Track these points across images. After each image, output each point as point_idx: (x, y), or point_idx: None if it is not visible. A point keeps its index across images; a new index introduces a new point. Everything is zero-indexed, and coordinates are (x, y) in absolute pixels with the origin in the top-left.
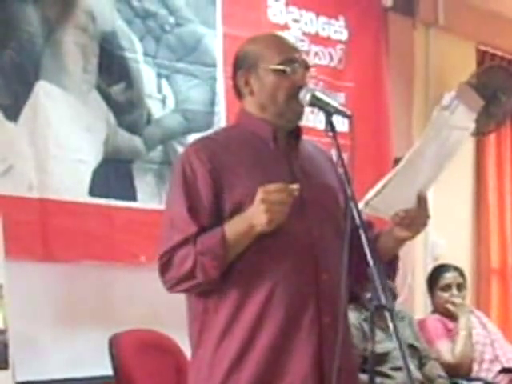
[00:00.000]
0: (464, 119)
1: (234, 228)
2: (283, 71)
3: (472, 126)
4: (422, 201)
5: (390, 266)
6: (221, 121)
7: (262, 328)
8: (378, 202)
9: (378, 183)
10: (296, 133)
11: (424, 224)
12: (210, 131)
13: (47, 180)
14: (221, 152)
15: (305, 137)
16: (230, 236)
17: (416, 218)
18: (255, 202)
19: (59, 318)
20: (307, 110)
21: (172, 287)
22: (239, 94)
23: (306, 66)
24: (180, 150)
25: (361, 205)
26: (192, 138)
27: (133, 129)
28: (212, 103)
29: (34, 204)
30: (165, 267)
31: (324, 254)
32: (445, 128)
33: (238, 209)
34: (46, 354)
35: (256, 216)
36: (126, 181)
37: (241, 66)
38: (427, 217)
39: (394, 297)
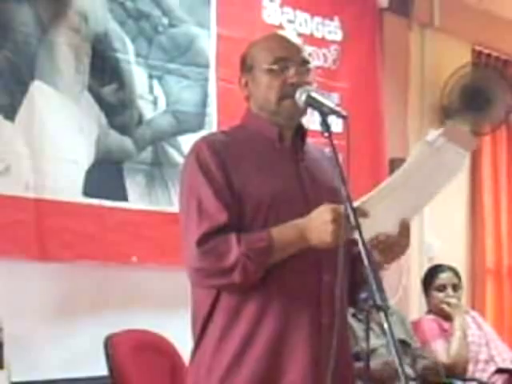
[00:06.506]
0: (453, 156)
1: (283, 236)
2: (274, 70)
3: (463, 162)
4: (404, 229)
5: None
6: (212, 122)
7: (262, 327)
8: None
9: (358, 200)
10: (301, 134)
11: (402, 253)
12: (201, 132)
13: (43, 180)
14: (228, 150)
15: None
16: (278, 243)
17: (394, 246)
18: (320, 218)
19: (54, 317)
20: None
21: (204, 278)
22: (245, 95)
23: (304, 62)
24: (170, 151)
25: None
26: (183, 139)
27: (124, 129)
28: (204, 104)
29: (30, 204)
30: (204, 255)
31: (327, 255)
32: (429, 162)
33: (241, 207)
34: (40, 354)
35: (318, 232)
36: (117, 181)
37: (242, 68)
38: (406, 246)
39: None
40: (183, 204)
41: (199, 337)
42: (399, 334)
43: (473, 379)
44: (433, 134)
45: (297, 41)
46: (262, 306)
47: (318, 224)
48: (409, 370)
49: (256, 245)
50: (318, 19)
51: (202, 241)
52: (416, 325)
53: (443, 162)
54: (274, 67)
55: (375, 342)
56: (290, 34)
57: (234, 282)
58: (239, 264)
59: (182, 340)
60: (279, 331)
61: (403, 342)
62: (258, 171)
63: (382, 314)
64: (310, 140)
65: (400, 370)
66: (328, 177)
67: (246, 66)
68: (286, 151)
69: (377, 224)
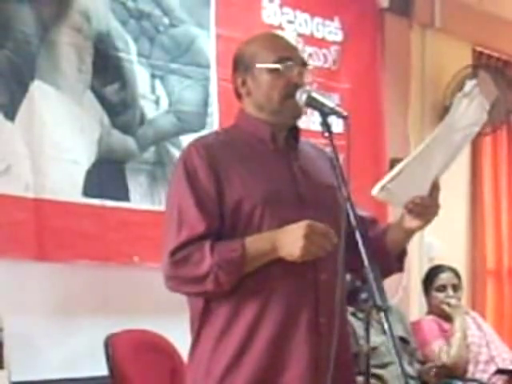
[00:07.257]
0: (479, 109)
1: (255, 246)
2: (277, 70)
3: (485, 116)
4: (436, 189)
5: (398, 260)
6: (214, 122)
7: (261, 327)
8: (394, 186)
9: (395, 168)
10: (295, 133)
11: (435, 213)
12: (202, 132)
13: (42, 180)
14: (221, 151)
15: (302, 137)
16: (250, 253)
17: (428, 207)
18: (293, 232)
19: (54, 317)
20: None
21: (177, 286)
22: (238, 95)
23: (303, 64)
24: (172, 150)
25: (376, 189)
26: (185, 138)
27: (126, 129)
28: (205, 104)
29: (30, 204)
30: (176, 264)
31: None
32: (465, 115)
33: (236, 208)
34: (40, 354)
35: (288, 245)
36: (119, 181)
37: (238, 67)
38: (438, 206)
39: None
40: (166, 210)
41: (197, 336)
42: (398, 331)
43: (473, 380)
44: (469, 84)
45: (295, 41)
46: (260, 307)
47: (290, 237)
48: (408, 368)
49: (228, 255)
50: (318, 20)
51: (176, 250)
52: (416, 325)
53: (472, 115)
54: (278, 66)
55: (375, 339)
56: (286, 33)
57: (207, 291)
58: (211, 273)
59: (181, 340)
60: (278, 332)
61: (402, 339)
62: (251, 172)
63: (382, 315)
64: (307, 139)
65: (400, 370)
66: (325, 175)
67: (242, 65)
68: (280, 151)
69: (413, 188)
